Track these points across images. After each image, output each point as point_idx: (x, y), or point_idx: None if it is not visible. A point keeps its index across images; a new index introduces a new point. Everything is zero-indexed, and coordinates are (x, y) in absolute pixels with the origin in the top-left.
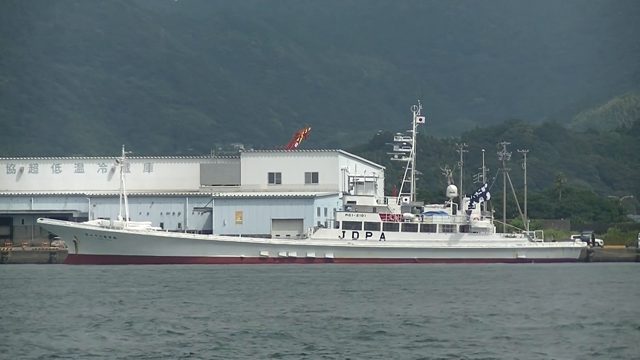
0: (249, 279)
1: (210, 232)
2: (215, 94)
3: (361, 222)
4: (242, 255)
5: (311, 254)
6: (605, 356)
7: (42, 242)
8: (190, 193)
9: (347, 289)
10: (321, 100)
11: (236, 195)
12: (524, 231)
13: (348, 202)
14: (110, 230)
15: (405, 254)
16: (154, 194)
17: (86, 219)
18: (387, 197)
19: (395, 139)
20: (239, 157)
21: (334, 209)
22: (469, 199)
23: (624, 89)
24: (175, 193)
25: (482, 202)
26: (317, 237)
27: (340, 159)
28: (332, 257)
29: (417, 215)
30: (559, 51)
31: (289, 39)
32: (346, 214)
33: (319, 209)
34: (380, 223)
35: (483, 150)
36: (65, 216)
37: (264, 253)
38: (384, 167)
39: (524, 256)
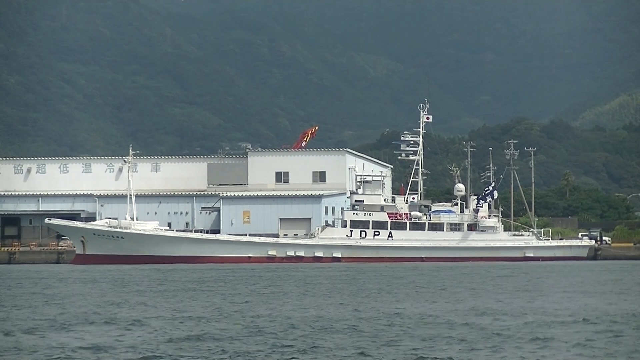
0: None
1: (218, 231)
2: (221, 93)
3: (369, 221)
4: (250, 255)
5: (319, 253)
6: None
7: (50, 242)
8: (198, 192)
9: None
10: (327, 100)
11: (244, 194)
12: (532, 229)
13: (355, 201)
14: (118, 230)
15: (413, 252)
16: (161, 193)
17: (94, 219)
18: (394, 195)
19: (402, 138)
20: (247, 157)
21: (342, 208)
22: (476, 197)
23: (630, 87)
24: (183, 193)
25: (489, 201)
26: (325, 236)
27: (347, 157)
28: (340, 256)
29: (425, 214)
30: (564, 50)
31: (295, 38)
32: (354, 213)
33: (326, 208)
34: (387, 222)
35: (490, 148)
36: (72, 216)
37: (272, 252)
38: (392, 166)
39: (531, 254)
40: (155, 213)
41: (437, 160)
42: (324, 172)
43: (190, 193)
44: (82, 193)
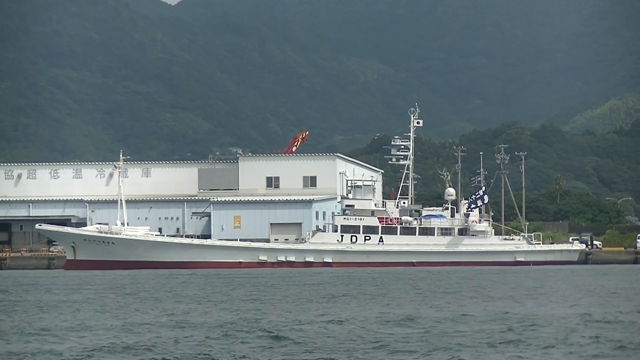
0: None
1: (208, 236)
2: (212, 98)
3: (359, 226)
4: (241, 260)
5: (310, 258)
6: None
7: (41, 247)
8: (189, 198)
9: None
10: (318, 104)
11: (234, 199)
12: (523, 234)
13: (346, 205)
14: (109, 235)
15: (403, 257)
16: (152, 199)
17: (84, 225)
18: (385, 200)
19: (393, 142)
20: (237, 162)
21: (332, 213)
22: (467, 201)
23: (621, 91)
24: (174, 198)
25: (480, 205)
26: (316, 241)
27: (338, 162)
28: (331, 261)
29: (416, 219)
30: (556, 54)
31: (286, 43)
32: (344, 218)
33: (317, 213)
34: (378, 227)
35: (481, 153)
36: (63, 222)
37: (263, 257)
38: (382, 171)
39: (522, 259)
40: (146, 218)
41: (427, 164)
42: (315, 177)
43: (181, 198)
44: (72, 198)
